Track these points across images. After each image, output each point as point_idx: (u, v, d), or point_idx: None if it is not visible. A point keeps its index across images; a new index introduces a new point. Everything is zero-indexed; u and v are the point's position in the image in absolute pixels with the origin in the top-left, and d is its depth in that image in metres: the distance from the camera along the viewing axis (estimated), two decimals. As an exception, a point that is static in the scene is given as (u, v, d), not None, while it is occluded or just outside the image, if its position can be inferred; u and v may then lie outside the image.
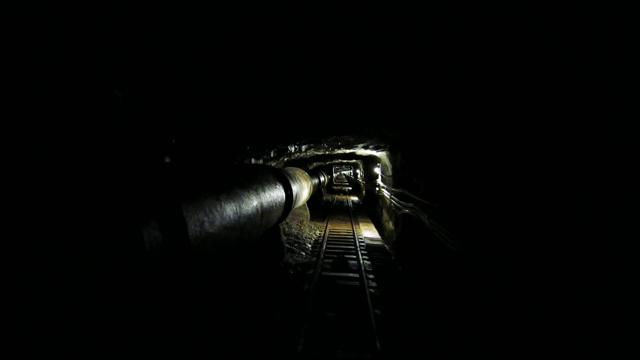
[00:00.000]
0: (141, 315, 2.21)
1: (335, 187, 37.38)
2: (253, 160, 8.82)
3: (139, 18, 2.32)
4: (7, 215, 1.34)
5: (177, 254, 2.50)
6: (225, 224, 3.51)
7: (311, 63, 3.35)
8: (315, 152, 11.47)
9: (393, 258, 9.16)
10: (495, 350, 3.71)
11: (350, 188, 37.20)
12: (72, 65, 2.44)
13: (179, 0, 2.20)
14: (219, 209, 3.44)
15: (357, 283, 6.92)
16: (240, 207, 4.02)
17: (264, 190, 5.21)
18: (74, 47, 2.29)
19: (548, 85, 2.54)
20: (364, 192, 22.43)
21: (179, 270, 2.61)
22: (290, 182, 7.10)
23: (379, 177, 14.21)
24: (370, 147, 10.51)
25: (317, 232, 12.48)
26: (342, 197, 28.05)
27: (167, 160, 5.19)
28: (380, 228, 13.68)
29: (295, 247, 9.71)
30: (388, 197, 11.45)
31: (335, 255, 8.62)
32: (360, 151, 12.13)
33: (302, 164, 14.75)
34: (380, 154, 12.12)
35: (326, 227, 13.24)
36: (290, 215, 12.96)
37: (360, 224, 14.69)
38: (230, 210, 3.71)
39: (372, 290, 6.50)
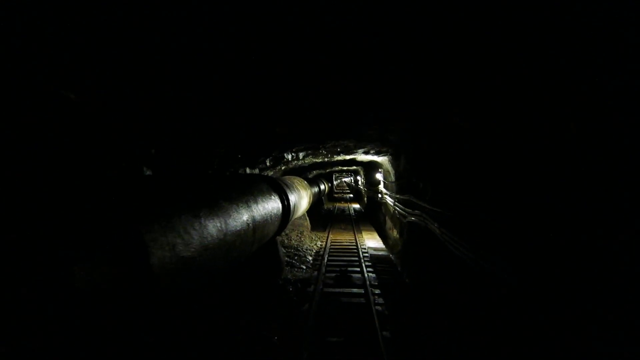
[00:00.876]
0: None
1: (336, 195, 37.22)
2: (248, 170, 8.32)
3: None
4: None
5: (135, 290, 1.97)
6: (206, 244, 3.00)
7: (305, 58, 2.89)
8: (314, 160, 10.98)
9: (399, 269, 8.59)
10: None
11: (352, 195, 36.94)
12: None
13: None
14: (197, 228, 2.92)
15: (362, 300, 6.34)
16: (226, 222, 3.51)
17: (256, 202, 4.71)
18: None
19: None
20: (365, 199, 21.93)
21: (139, 312, 2.08)
22: (288, 191, 6.60)
23: (381, 183, 13.68)
24: (372, 152, 10.03)
25: (319, 243, 11.92)
26: (343, 204, 27.66)
27: (149, 172, 4.70)
28: (384, 236, 13.11)
29: (295, 260, 9.15)
30: (392, 204, 10.91)
31: (338, 269, 8.05)
32: (361, 157, 11.65)
33: (301, 172, 14.28)
34: (382, 159, 11.62)
35: (327, 237, 12.69)
36: (290, 226, 12.42)
37: (363, 233, 14.13)
38: (213, 227, 3.20)
39: (379, 308, 5.91)
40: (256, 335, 4.65)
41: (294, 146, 7.84)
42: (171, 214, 2.61)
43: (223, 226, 3.44)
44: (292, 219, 8.03)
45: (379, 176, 13.88)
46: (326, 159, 11.46)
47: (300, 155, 9.17)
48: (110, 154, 3.53)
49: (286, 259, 8.99)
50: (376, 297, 6.45)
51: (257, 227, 4.50)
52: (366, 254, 10.08)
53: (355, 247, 11.00)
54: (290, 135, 6.07)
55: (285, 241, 11.06)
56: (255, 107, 4.14)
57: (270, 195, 5.54)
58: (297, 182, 8.92)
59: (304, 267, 8.60)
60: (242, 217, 4.01)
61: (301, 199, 8.50)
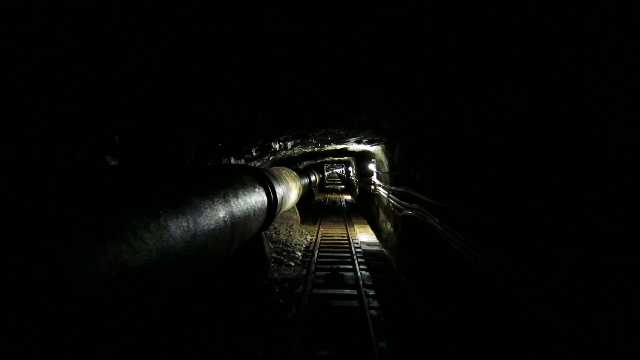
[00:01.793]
0: None
1: (327, 186, 37.01)
2: (233, 160, 7.70)
3: None
4: None
5: (51, 319, 1.40)
6: (166, 249, 2.42)
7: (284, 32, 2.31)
8: (304, 150, 10.40)
9: (394, 266, 8.12)
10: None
11: (343, 186, 36.74)
12: None
13: None
14: (154, 230, 2.33)
15: (355, 303, 5.82)
16: (195, 221, 2.94)
17: (236, 196, 4.14)
18: None
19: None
20: (357, 190, 21.48)
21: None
22: (274, 183, 6.04)
23: (374, 174, 13.16)
24: (364, 141, 9.49)
25: (309, 237, 11.41)
26: (334, 196, 27.27)
27: (114, 163, 4.09)
28: (377, 229, 12.67)
29: (283, 256, 8.62)
30: (385, 196, 10.41)
31: (329, 267, 7.53)
32: (353, 146, 11.12)
33: (291, 163, 13.71)
34: (375, 149, 11.11)
35: (318, 231, 12.18)
36: (279, 219, 11.87)
37: (355, 226, 13.67)
38: (177, 228, 2.62)
39: (373, 313, 5.41)
40: (235, 347, 4.12)
41: (281, 134, 7.25)
42: (114, 214, 2.03)
43: (191, 226, 2.87)
44: (281, 212, 7.49)
45: (371, 167, 13.37)
46: (316, 149, 10.90)
47: (289, 144, 8.58)
48: (53, 144, 2.91)
49: (274, 255, 8.46)
50: (370, 299, 5.93)
51: (236, 224, 3.96)
52: (359, 250, 9.58)
53: (347, 241, 10.52)
54: (275, 120, 5.48)
55: (274, 235, 10.52)
56: (234, 86, 3.55)
57: (254, 187, 4.99)
58: (286, 173, 8.35)
59: (293, 264, 8.08)
60: (218, 213, 3.45)
61: (290, 191, 7.93)
